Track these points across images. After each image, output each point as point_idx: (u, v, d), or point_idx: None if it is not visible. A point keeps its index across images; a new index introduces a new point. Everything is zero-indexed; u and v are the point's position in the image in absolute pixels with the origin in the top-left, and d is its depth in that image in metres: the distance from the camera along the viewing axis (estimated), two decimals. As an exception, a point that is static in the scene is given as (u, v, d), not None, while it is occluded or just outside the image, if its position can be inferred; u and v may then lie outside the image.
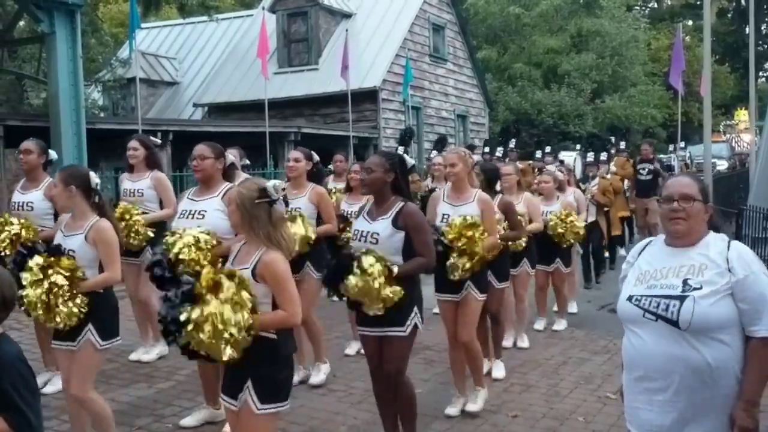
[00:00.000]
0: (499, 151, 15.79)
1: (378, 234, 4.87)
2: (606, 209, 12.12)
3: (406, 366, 5.05)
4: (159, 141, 7.68)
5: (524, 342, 8.25)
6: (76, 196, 4.89)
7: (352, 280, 4.68)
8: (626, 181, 14.28)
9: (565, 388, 6.73)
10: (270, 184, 3.94)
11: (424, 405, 6.17)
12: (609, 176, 12.81)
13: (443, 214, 5.84)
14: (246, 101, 22.37)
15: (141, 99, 17.92)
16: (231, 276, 3.69)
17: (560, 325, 9.10)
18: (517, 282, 8.07)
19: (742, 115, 36.15)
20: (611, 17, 35.32)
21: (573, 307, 9.90)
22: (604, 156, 13.86)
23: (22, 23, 19.65)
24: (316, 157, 7.07)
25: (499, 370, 7.07)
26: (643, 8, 51.18)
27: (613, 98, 33.73)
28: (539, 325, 9.05)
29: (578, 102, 32.03)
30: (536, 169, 14.11)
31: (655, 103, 35.96)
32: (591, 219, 11.11)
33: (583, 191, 11.10)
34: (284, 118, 21.79)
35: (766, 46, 50.18)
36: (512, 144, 16.44)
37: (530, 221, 7.89)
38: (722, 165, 29.39)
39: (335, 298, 6.45)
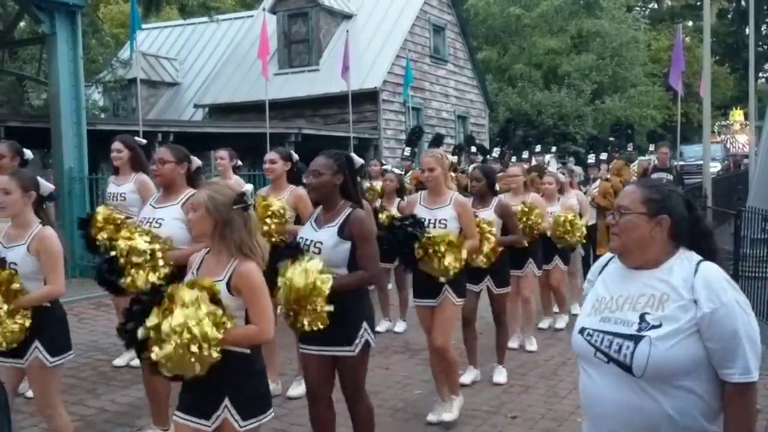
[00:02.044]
0: (496, 152, 15.68)
1: (321, 243, 4.47)
2: (607, 212, 12.03)
3: (364, 382, 4.70)
4: (144, 141, 7.33)
5: (532, 345, 8.25)
6: (29, 204, 4.59)
7: (280, 281, 4.25)
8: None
9: (563, 389, 6.74)
10: (247, 188, 3.69)
11: (424, 407, 6.21)
12: (609, 176, 12.74)
13: (420, 218, 5.65)
14: (246, 102, 22.39)
15: (141, 100, 17.92)
16: (200, 287, 3.42)
17: (562, 322, 9.20)
18: (523, 283, 8.05)
19: (737, 115, 35.96)
20: (611, 18, 35.33)
21: (576, 309, 9.79)
22: (604, 156, 13.57)
23: (22, 24, 19.67)
24: (296, 157, 6.82)
25: (500, 376, 7.00)
26: (643, 9, 51.15)
27: (613, 99, 33.75)
28: (544, 323, 9.20)
29: (578, 103, 32.05)
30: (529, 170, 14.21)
31: (655, 104, 35.97)
32: (592, 222, 11.07)
33: (584, 193, 11.03)
34: (285, 119, 21.81)
35: (766, 47, 50.19)
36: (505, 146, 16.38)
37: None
38: (715, 167, 28.40)
39: None
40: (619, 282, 2.86)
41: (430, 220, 5.63)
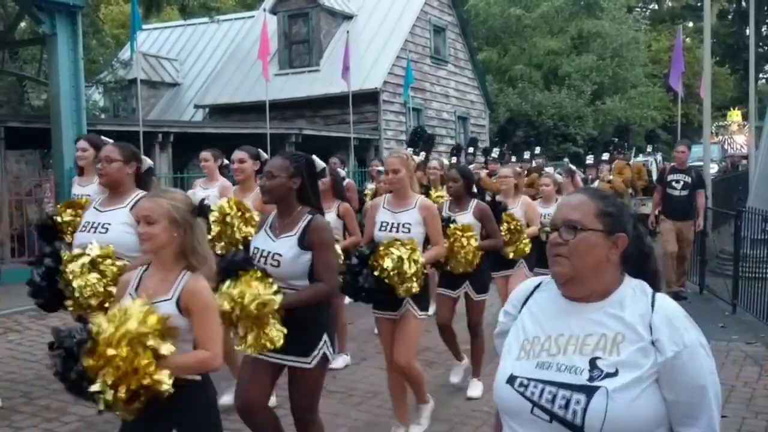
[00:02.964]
0: (495, 152, 15.50)
1: (280, 255, 4.08)
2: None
3: (317, 402, 4.32)
4: (110, 141, 7.01)
5: None
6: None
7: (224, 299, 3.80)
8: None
9: (564, 389, 6.72)
10: (197, 194, 3.35)
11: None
12: (612, 177, 12.74)
13: (382, 222, 5.34)
14: (247, 102, 22.40)
15: (142, 100, 17.93)
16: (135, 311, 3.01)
17: None
18: (512, 283, 7.63)
19: (735, 116, 35.81)
20: (612, 19, 35.35)
21: None
22: (605, 156, 13.54)
23: (23, 24, 19.66)
24: (264, 156, 6.48)
25: (475, 389, 6.59)
26: (644, 10, 51.17)
27: (614, 100, 33.77)
28: None
29: (578, 103, 32.08)
30: (525, 171, 14.11)
31: (655, 104, 35.98)
32: None
33: None
34: (285, 119, 21.81)
35: (766, 48, 50.16)
36: (505, 146, 16.26)
37: (528, 225, 7.69)
38: (712, 168, 27.71)
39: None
40: (556, 317, 2.30)
41: (393, 224, 5.29)
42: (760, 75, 49.65)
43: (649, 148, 16.97)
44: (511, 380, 2.29)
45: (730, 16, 51.34)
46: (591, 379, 2.13)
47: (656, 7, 52.95)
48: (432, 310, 7.35)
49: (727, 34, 49.13)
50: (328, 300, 4.26)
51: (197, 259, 3.28)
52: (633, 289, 2.27)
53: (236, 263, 3.93)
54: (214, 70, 25.99)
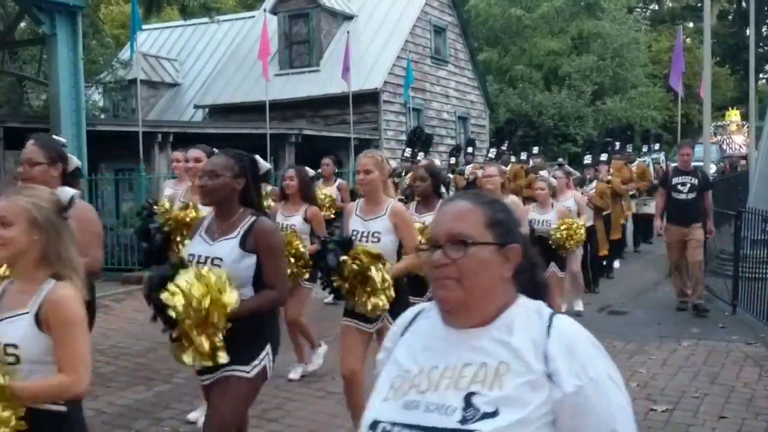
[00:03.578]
0: (492, 153, 15.35)
1: (221, 259, 3.73)
2: (604, 213, 11.89)
3: (239, 419, 3.91)
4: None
5: None
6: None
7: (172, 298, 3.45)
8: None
9: (563, 390, 6.71)
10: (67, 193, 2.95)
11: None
12: (611, 177, 12.69)
13: (353, 231, 5.07)
14: (247, 103, 22.38)
15: (142, 100, 17.92)
16: None
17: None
18: None
19: (734, 115, 35.77)
20: (612, 19, 35.33)
21: (579, 305, 9.90)
22: (604, 157, 13.43)
23: (23, 25, 19.65)
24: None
25: None
26: (644, 10, 51.17)
27: (614, 100, 33.75)
28: None
29: (579, 104, 32.06)
30: (524, 171, 14.08)
31: (656, 105, 35.99)
32: (589, 223, 10.93)
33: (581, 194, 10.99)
34: (285, 119, 21.79)
35: (766, 48, 50.15)
36: (504, 146, 15.98)
37: None
38: (710, 169, 27.14)
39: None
40: (432, 346, 1.91)
41: (363, 233, 4.99)
42: (761, 75, 49.64)
43: (645, 148, 16.89)
44: (373, 426, 1.84)
45: (730, 17, 51.34)
46: (463, 420, 1.72)
47: (656, 7, 52.96)
48: None
49: (728, 35, 49.12)
50: (275, 309, 4.00)
51: (64, 267, 2.83)
52: (526, 309, 1.89)
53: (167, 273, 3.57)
54: (214, 71, 25.96)
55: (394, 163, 6.20)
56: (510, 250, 1.89)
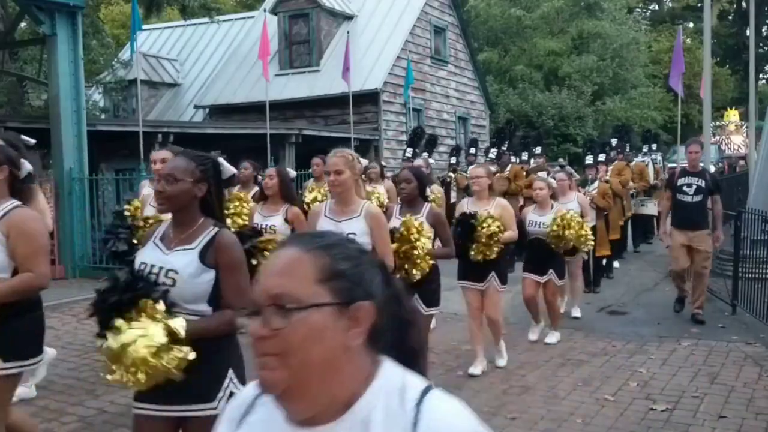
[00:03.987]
0: (493, 153, 15.09)
1: (176, 272, 3.27)
2: (605, 213, 11.84)
3: None
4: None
5: (487, 365, 7.30)
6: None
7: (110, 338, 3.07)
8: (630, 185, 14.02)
9: (563, 390, 6.74)
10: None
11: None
12: (609, 177, 12.68)
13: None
14: (247, 103, 22.41)
15: (142, 101, 17.91)
16: None
17: (552, 337, 8.44)
18: (485, 300, 7.18)
19: (732, 115, 35.74)
20: (612, 19, 35.38)
21: (576, 311, 9.69)
22: (602, 157, 13.26)
23: (23, 25, 19.67)
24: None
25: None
26: (644, 10, 51.22)
27: (614, 100, 33.79)
28: (533, 335, 8.54)
29: (579, 104, 32.09)
30: (525, 172, 14.03)
31: (656, 105, 36.03)
32: (591, 224, 10.97)
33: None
34: (285, 119, 21.81)
35: (766, 48, 50.16)
36: (505, 146, 15.65)
37: (503, 230, 6.98)
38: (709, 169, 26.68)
39: None
40: None
41: None
42: (761, 75, 49.66)
43: (645, 148, 16.87)
44: None
45: (730, 17, 51.39)
46: None
47: (656, 7, 53.01)
48: None
49: (728, 35, 49.15)
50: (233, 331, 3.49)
51: None
52: (387, 392, 1.42)
53: (136, 289, 3.20)
54: (214, 71, 25.99)
55: (365, 162, 5.70)
56: (358, 309, 1.41)
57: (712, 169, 18.56)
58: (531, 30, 34.52)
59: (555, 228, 8.01)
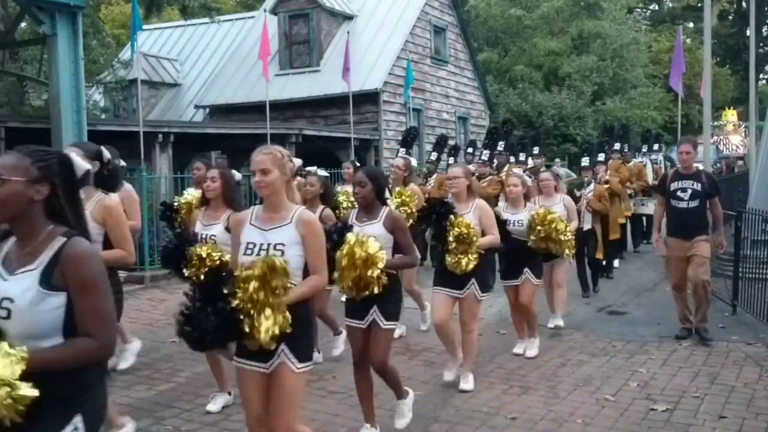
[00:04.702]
0: (485, 154, 14.33)
1: (12, 300, 2.63)
2: (602, 215, 11.55)
3: None
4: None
5: (467, 383, 6.80)
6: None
7: None
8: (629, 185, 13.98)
9: (563, 390, 6.75)
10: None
11: (425, 407, 6.21)
12: (609, 178, 12.58)
13: (248, 244, 4.11)
14: (247, 103, 22.42)
15: (142, 100, 17.92)
16: None
17: (533, 349, 7.89)
18: (462, 309, 6.67)
19: (730, 115, 35.75)
20: (612, 19, 35.39)
21: (559, 321, 8.83)
22: (601, 157, 13.08)
23: (23, 25, 19.67)
24: (108, 155, 5.33)
25: None
26: (644, 10, 51.22)
27: (614, 100, 33.79)
28: (518, 348, 8.03)
29: (579, 104, 32.10)
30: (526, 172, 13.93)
31: (656, 105, 36.04)
32: (587, 227, 10.83)
33: (578, 197, 10.78)
34: (285, 119, 21.83)
35: (766, 48, 50.18)
36: (501, 147, 15.00)
37: (483, 233, 6.50)
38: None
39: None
40: None
41: (261, 245, 4.05)
42: (761, 75, 49.69)
43: (645, 148, 16.83)
44: None
45: (730, 17, 51.42)
46: None
47: (656, 7, 53.05)
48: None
49: (728, 35, 49.17)
50: (97, 362, 2.80)
51: None
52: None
53: None
54: (214, 71, 26.00)
55: (298, 161, 4.89)
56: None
57: (711, 169, 17.68)
58: (531, 30, 34.53)
59: (538, 226, 7.54)
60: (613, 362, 7.64)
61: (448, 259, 6.36)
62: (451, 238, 6.24)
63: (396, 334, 8.12)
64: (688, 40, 38.53)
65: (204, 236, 5.98)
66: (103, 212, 4.93)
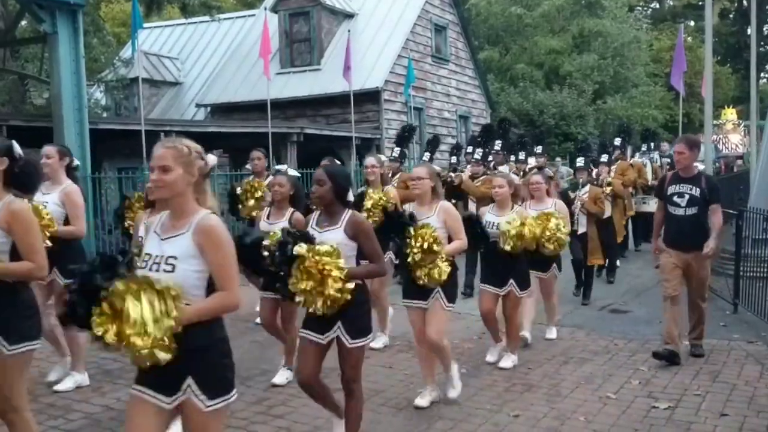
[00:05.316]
0: (478, 153, 13.35)
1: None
2: (599, 218, 10.88)
3: None
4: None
5: (455, 390, 6.40)
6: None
7: None
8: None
9: (566, 387, 6.76)
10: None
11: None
12: (611, 179, 12.44)
13: (146, 254, 3.58)
14: (248, 102, 22.41)
15: (143, 99, 17.94)
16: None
17: (508, 361, 7.40)
18: (429, 320, 6.11)
19: (730, 114, 35.71)
20: (613, 18, 35.43)
21: (552, 333, 8.56)
22: (605, 158, 12.75)
23: (24, 23, 19.70)
24: (18, 150, 4.84)
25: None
26: (645, 9, 51.21)
27: (615, 99, 33.82)
28: (491, 356, 7.57)
29: (580, 103, 32.12)
30: (522, 172, 13.73)
31: (657, 104, 36.07)
32: (582, 230, 10.43)
33: (572, 200, 10.33)
34: (286, 118, 21.84)
35: (767, 47, 50.17)
36: (497, 146, 14.45)
37: (450, 239, 6.05)
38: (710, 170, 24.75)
39: None
40: None
41: (156, 257, 3.50)
42: (762, 74, 49.67)
43: (644, 147, 16.75)
44: None
45: (731, 16, 51.39)
46: None
47: (657, 6, 53.02)
48: None
49: (729, 34, 49.18)
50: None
51: None
52: None
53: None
54: (215, 69, 25.99)
55: (212, 159, 3.80)
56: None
57: (710, 169, 16.72)
58: (532, 28, 34.57)
59: (512, 226, 6.95)
60: (615, 360, 7.65)
61: (418, 273, 5.88)
62: (415, 250, 5.73)
63: (379, 344, 8.08)
64: (689, 39, 38.50)
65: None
66: (8, 217, 4.23)
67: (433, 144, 14.42)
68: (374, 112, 22.22)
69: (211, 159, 3.71)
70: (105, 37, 23.65)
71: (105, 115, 23.49)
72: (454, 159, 14.22)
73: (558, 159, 26.71)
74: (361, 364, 5.00)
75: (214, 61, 26.88)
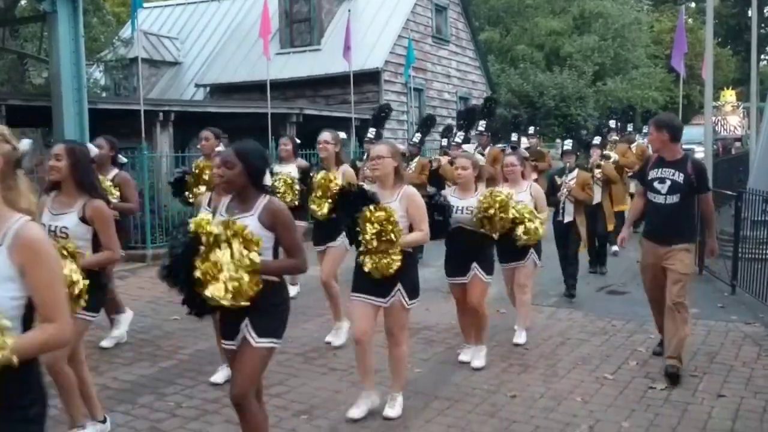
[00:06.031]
0: (459, 136, 12.87)
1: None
2: (588, 205, 10.09)
3: None
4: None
5: (394, 410, 5.71)
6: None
7: None
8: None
9: (563, 368, 6.78)
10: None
11: (424, 385, 6.26)
12: (603, 162, 11.87)
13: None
14: (248, 82, 22.38)
15: (143, 79, 17.89)
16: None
17: (480, 359, 6.85)
18: (390, 321, 5.54)
19: (729, 95, 35.59)
20: (614, -1, 35.32)
21: (521, 337, 7.65)
22: (597, 140, 12.06)
23: (23, 2, 19.62)
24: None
25: None
26: (646, -10, 51.00)
27: (615, 81, 33.75)
28: (464, 355, 7.02)
29: (580, 84, 32.06)
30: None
31: (657, 85, 36.01)
32: (568, 219, 9.63)
33: (559, 186, 9.66)
34: (286, 99, 21.80)
35: (769, 29, 50.01)
36: (482, 126, 13.84)
37: (411, 228, 5.42)
38: (699, 153, 23.21)
39: None
40: None
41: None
42: (762, 56, 49.53)
43: (645, 129, 16.65)
44: None
45: (732, -3, 51.17)
46: None
47: (659, -13, 52.75)
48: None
49: (729, 15, 49.01)
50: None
51: None
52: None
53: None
54: (215, 49, 25.93)
55: (25, 145, 3.01)
56: None
57: (702, 155, 15.76)
58: (532, 9, 34.48)
59: (483, 205, 6.42)
60: (613, 341, 7.67)
61: (366, 261, 5.26)
62: (368, 236, 5.14)
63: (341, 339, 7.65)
64: (689, 20, 38.40)
65: (53, 228, 4.77)
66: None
67: (427, 123, 13.57)
68: (374, 93, 22.17)
69: (24, 144, 2.97)
70: (105, 16, 23.55)
71: (104, 94, 23.44)
72: (444, 141, 13.91)
73: (558, 140, 26.67)
74: (261, 370, 4.36)
75: (214, 41, 26.80)
